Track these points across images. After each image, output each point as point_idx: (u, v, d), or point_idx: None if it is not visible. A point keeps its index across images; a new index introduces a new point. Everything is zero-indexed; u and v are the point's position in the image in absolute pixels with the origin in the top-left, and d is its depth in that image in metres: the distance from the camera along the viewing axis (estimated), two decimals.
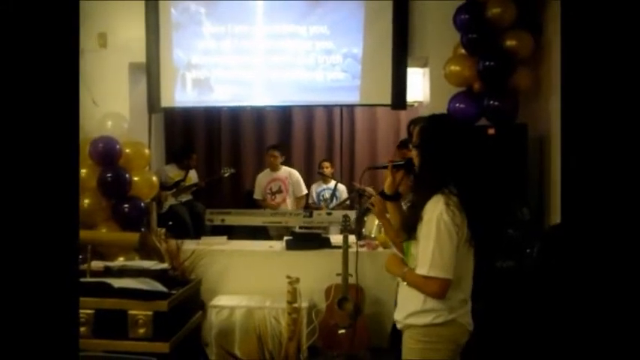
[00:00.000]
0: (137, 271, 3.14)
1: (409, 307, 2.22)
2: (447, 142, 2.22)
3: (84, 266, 3.14)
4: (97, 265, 3.26)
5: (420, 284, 2.15)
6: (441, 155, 2.20)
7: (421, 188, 2.24)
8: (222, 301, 4.42)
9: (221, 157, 7.44)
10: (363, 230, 4.74)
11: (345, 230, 4.27)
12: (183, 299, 3.07)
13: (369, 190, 5.12)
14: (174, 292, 2.96)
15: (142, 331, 2.79)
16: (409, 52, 4.78)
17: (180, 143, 7.09)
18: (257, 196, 6.24)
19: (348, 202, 5.85)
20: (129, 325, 2.80)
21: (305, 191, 6.28)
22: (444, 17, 4.42)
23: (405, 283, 2.25)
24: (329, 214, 5.32)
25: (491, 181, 3.38)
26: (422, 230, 2.14)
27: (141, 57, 4.97)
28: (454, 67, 4.35)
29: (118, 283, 2.83)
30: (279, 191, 6.05)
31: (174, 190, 6.11)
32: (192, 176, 6.44)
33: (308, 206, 6.21)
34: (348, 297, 4.18)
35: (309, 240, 4.81)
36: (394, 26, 4.73)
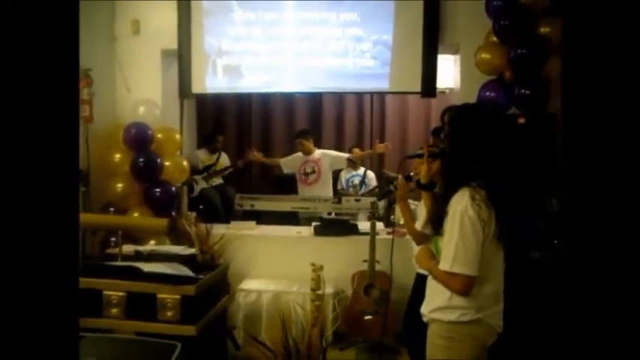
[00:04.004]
0: (166, 256, 3.22)
1: (435, 302, 2.16)
2: (476, 134, 2.11)
3: (115, 250, 3.23)
4: (127, 249, 3.34)
5: (444, 280, 2.09)
6: (469, 148, 2.10)
7: (448, 181, 2.16)
8: (249, 284, 4.49)
9: (252, 142, 7.49)
10: (392, 217, 4.75)
11: (372, 217, 4.29)
12: (211, 284, 3.14)
13: (399, 177, 5.13)
14: (201, 276, 3.03)
15: (170, 313, 2.87)
16: (440, 38, 4.72)
17: (211, 128, 7.18)
18: (284, 164, 6.25)
19: (377, 190, 5.86)
20: (158, 308, 2.88)
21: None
22: (476, 3, 4.35)
23: (431, 277, 2.21)
24: (357, 200, 5.34)
25: (521, 172, 3.37)
26: (447, 224, 2.06)
27: (173, 44, 5.02)
28: (485, 55, 4.30)
29: (147, 267, 2.91)
30: (313, 172, 6.01)
31: (205, 174, 6.20)
32: (224, 160, 6.52)
33: (337, 192, 6.22)
34: (374, 284, 4.21)
35: (336, 226, 4.85)
36: (425, 13, 4.67)
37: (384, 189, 4.53)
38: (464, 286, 2.03)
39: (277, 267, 4.63)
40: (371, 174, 6.36)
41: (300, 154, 6.08)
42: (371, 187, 6.14)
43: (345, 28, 4.91)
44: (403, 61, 4.82)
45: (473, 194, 2.02)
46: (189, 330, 2.84)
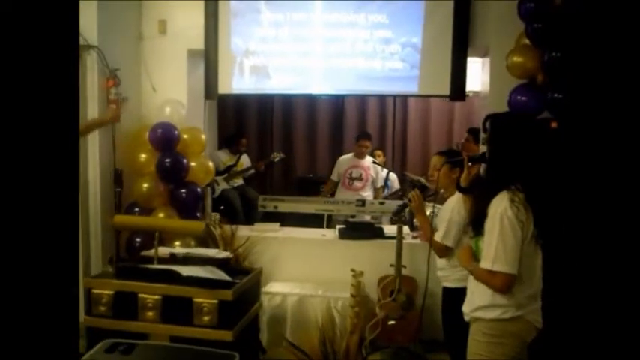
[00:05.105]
0: (202, 259, 3.18)
1: (477, 301, 2.27)
2: (516, 141, 2.25)
3: (151, 252, 3.20)
4: (162, 251, 3.31)
5: (486, 278, 2.20)
6: (509, 154, 2.23)
7: (488, 185, 2.28)
8: (274, 287, 4.46)
9: (273, 143, 7.48)
10: (415, 221, 4.70)
11: (399, 221, 4.24)
12: (246, 288, 3.11)
13: (422, 180, 5.10)
14: (237, 281, 3.00)
15: (206, 318, 2.84)
16: (469, 41, 4.67)
17: (232, 129, 7.17)
18: (334, 177, 6.13)
19: (400, 193, 5.82)
20: (194, 312, 2.85)
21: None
22: (508, 6, 4.30)
23: (473, 276, 2.31)
24: (381, 203, 5.29)
25: (559, 176, 3.34)
26: (487, 225, 2.18)
27: (199, 44, 5.00)
28: (517, 58, 4.23)
29: (185, 271, 2.88)
30: (360, 179, 5.96)
31: (226, 175, 6.19)
32: (244, 161, 6.50)
33: None
34: (400, 288, 4.17)
35: (362, 229, 4.80)
36: (455, 15, 4.62)
37: (404, 196, 4.51)
38: (504, 283, 2.14)
39: (302, 270, 4.60)
40: (394, 176, 6.32)
41: (346, 156, 6.03)
42: (394, 190, 6.10)
43: (373, 29, 4.86)
44: (432, 63, 4.77)
45: (512, 197, 2.15)
46: (226, 335, 2.81)
